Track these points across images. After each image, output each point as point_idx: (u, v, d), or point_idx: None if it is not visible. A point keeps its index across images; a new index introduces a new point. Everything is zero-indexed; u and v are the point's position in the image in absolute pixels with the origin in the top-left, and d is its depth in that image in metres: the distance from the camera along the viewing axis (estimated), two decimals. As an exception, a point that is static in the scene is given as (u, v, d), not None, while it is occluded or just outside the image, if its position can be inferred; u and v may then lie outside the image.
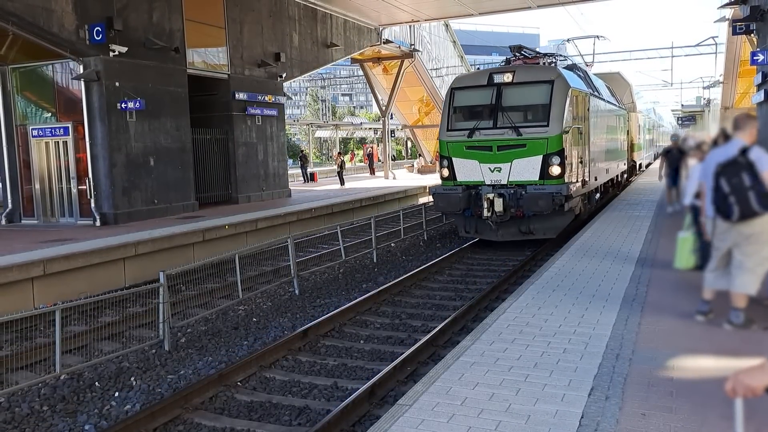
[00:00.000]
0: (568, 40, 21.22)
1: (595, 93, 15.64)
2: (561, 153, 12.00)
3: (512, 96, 12.55)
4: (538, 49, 16.92)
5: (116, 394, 6.72)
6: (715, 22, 35.06)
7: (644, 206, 15.43)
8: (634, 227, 12.01)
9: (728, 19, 25.01)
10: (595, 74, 19.22)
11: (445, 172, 12.96)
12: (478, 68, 39.44)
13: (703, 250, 6.75)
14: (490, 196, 12.23)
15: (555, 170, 11.99)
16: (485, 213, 12.23)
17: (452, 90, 13.33)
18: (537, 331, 5.81)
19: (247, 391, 6.63)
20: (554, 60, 14.70)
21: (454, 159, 12.78)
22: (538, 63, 14.06)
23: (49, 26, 14.15)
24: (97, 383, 6.98)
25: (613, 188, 19.74)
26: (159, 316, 8.06)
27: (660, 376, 4.60)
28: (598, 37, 21.13)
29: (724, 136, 7.09)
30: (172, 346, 8.04)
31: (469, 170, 12.64)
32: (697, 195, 6.78)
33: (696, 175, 7.21)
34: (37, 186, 16.66)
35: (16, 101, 16.67)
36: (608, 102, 17.77)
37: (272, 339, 8.39)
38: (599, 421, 3.90)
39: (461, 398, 4.34)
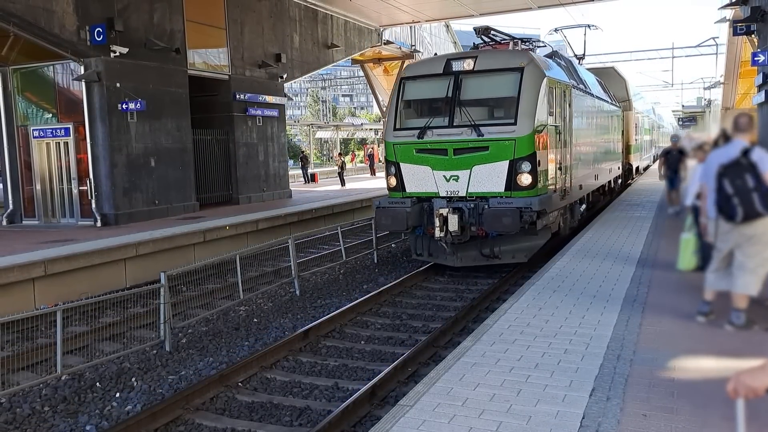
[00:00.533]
0: (556, 30, 18.52)
1: (581, 86, 13.60)
2: (532, 157, 9.87)
3: (473, 87, 10.40)
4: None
5: (117, 394, 6.73)
6: (715, 22, 35.13)
7: (645, 207, 15.42)
8: (635, 228, 11.99)
9: (729, 19, 25.01)
10: (587, 68, 17.62)
11: (392, 181, 10.76)
12: None
13: (704, 251, 6.76)
14: (444, 211, 10.00)
15: (525, 179, 9.85)
16: (437, 233, 10.00)
17: (402, 80, 11.14)
18: (538, 332, 5.81)
19: (248, 392, 6.63)
20: (531, 46, 12.61)
21: (402, 165, 10.56)
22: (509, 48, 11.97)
23: (50, 27, 14.17)
24: (98, 384, 6.99)
25: (605, 195, 17.83)
26: (160, 316, 8.07)
27: (661, 376, 4.60)
28: (589, 26, 18.90)
29: (725, 137, 7.10)
30: (173, 347, 8.05)
31: (419, 179, 10.43)
32: (698, 196, 6.78)
33: (697, 175, 7.21)
34: (38, 187, 16.68)
35: (17, 102, 16.70)
36: (598, 98, 15.77)
37: (273, 339, 8.40)
38: (600, 421, 3.90)
39: (462, 399, 4.34)
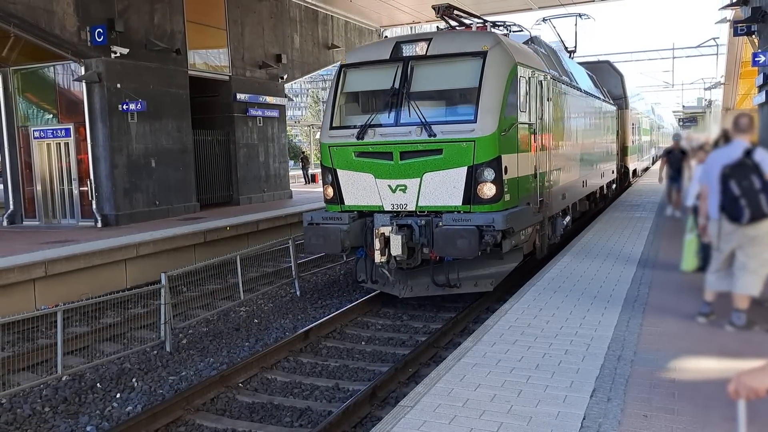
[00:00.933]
0: (544, 20, 16.54)
1: (566, 78, 11.80)
2: (497, 163, 8.10)
3: (425, 76, 8.64)
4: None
5: (118, 395, 6.73)
6: (716, 23, 35.16)
7: (645, 207, 15.41)
8: (636, 228, 11.99)
9: (729, 20, 25.02)
10: (579, 63, 16.35)
11: (329, 192, 8.98)
12: None
13: (704, 252, 6.75)
14: (385, 230, 8.21)
15: (487, 189, 8.11)
16: (378, 256, 8.20)
17: (341, 68, 9.32)
18: (539, 333, 5.81)
19: (248, 393, 6.64)
20: (506, 31, 10.78)
21: (339, 172, 8.80)
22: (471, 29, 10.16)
23: (51, 28, 14.18)
24: (98, 384, 6.99)
25: (597, 203, 16.09)
26: (160, 317, 8.08)
27: (662, 377, 4.60)
28: (580, 15, 17.19)
29: (725, 137, 7.10)
30: (173, 348, 8.05)
31: (360, 189, 8.68)
32: (699, 196, 6.77)
33: (697, 176, 7.21)
34: (39, 187, 16.68)
35: (18, 103, 16.70)
36: (588, 93, 14.06)
37: (273, 340, 8.40)
38: (601, 422, 3.89)
39: (463, 400, 4.34)
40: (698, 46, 43.39)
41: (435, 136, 8.17)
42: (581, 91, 13.25)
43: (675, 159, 13.47)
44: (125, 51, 15.39)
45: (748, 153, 5.41)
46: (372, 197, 8.63)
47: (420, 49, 8.68)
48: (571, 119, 11.96)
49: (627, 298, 6.96)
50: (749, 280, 5.58)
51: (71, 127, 16.01)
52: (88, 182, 15.60)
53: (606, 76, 19.41)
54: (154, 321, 9.04)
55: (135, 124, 15.97)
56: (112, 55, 15.21)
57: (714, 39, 39.94)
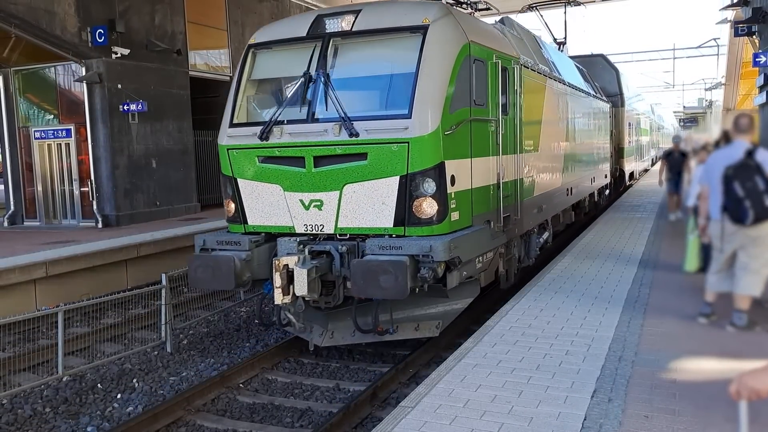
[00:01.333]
0: (531, 7, 14.52)
1: (544, 68, 9.86)
2: (439, 171, 6.26)
3: (350, 58, 6.83)
4: None
5: (118, 395, 6.73)
6: (717, 23, 35.15)
7: (646, 208, 15.41)
8: (636, 229, 11.98)
9: (730, 20, 25.03)
10: (570, 57, 15.14)
11: (231, 208, 7.07)
12: None
13: (705, 253, 6.75)
14: (289, 261, 6.23)
15: (427, 206, 6.24)
16: (278, 296, 6.23)
17: (249, 50, 7.35)
18: (539, 333, 5.81)
19: (249, 393, 6.64)
20: (471, 9, 9.18)
21: (240, 182, 6.91)
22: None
23: (52, 29, 14.19)
24: (99, 385, 6.99)
25: (587, 212, 14.47)
26: (161, 317, 8.08)
27: (663, 378, 4.60)
28: (570, 2, 15.39)
29: (726, 138, 7.10)
30: (174, 348, 8.05)
31: (267, 204, 6.79)
32: (699, 197, 6.76)
33: (697, 176, 7.21)
34: (40, 188, 16.68)
35: (19, 103, 16.71)
36: (576, 88, 12.33)
37: (274, 341, 8.40)
38: (602, 423, 3.89)
39: (463, 400, 4.34)
40: (699, 47, 43.49)
41: (357, 135, 6.31)
42: (566, 84, 11.41)
43: (675, 162, 13.16)
44: (126, 51, 15.41)
45: (750, 153, 5.41)
46: (281, 215, 6.73)
47: (345, 23, 6.78)
48: (551, 116, 10.16)
49: (628, 298, 6.95)
50: (751, 280, 5.58)
51: (72, 127, 16.02)
52: (89, 183, 15.62)
53: (600, 72, 17.86)
54: (155, 321, 9.03)
55: (136, 124, 15.98)
56: (113, 56, 15.22)
57: (715, 39, 40.05)
